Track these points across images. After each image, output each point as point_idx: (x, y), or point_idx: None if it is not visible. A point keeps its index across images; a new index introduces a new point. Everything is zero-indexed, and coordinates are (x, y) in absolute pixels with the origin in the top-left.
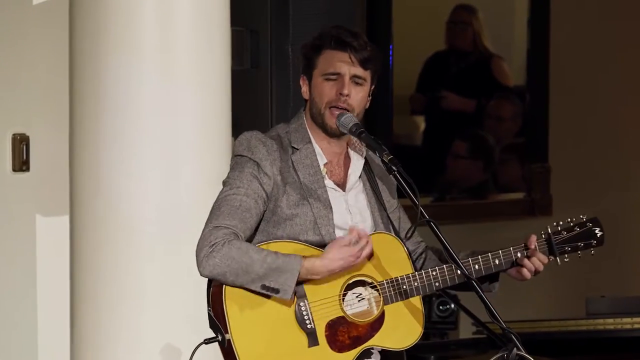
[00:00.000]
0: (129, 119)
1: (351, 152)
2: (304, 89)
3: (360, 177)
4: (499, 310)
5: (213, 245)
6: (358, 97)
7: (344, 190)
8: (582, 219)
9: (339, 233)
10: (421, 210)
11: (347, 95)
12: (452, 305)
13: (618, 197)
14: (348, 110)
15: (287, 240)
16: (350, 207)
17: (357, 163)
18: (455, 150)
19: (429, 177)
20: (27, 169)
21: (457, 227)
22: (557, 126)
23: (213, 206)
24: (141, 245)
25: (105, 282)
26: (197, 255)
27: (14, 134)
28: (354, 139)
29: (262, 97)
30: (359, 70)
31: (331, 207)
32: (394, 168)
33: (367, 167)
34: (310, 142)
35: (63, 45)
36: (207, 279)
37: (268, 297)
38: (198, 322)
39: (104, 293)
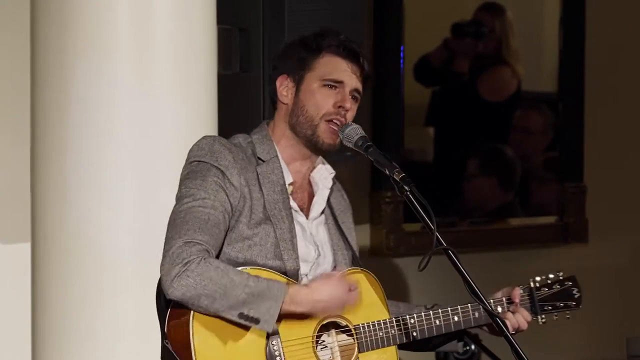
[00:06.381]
0: (100, 130)
1: (316, 178)
2: (284, 91)
3: (324, 210)
4: (528, 351)
5: (187, 263)
6: (352, 114)
7: (307, 217)
8: (560, 276)
9: (302, 263)
10: (437, 237)
11: (347, 110)
12: (473, 346)
13: None
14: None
15: (253, 267)
16: (314, 237)
17: (322, 192)
18: (473, 167)
19: (446, 198)
20: None
21: (479, 256)
22: (594, 140)
23: (174, 219)
24: (114, 276)
25: (72, 319)
26: (165, 275)
27: None
28: (320, 164)
29: (252, 105)
30: (359, 85)
31: (295, 232)
32: (406, 188)
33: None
34: (276, 156)
35: (24, 45)
36: (164, 308)
37: (241, 329)
38: None
39: (71, 332)
